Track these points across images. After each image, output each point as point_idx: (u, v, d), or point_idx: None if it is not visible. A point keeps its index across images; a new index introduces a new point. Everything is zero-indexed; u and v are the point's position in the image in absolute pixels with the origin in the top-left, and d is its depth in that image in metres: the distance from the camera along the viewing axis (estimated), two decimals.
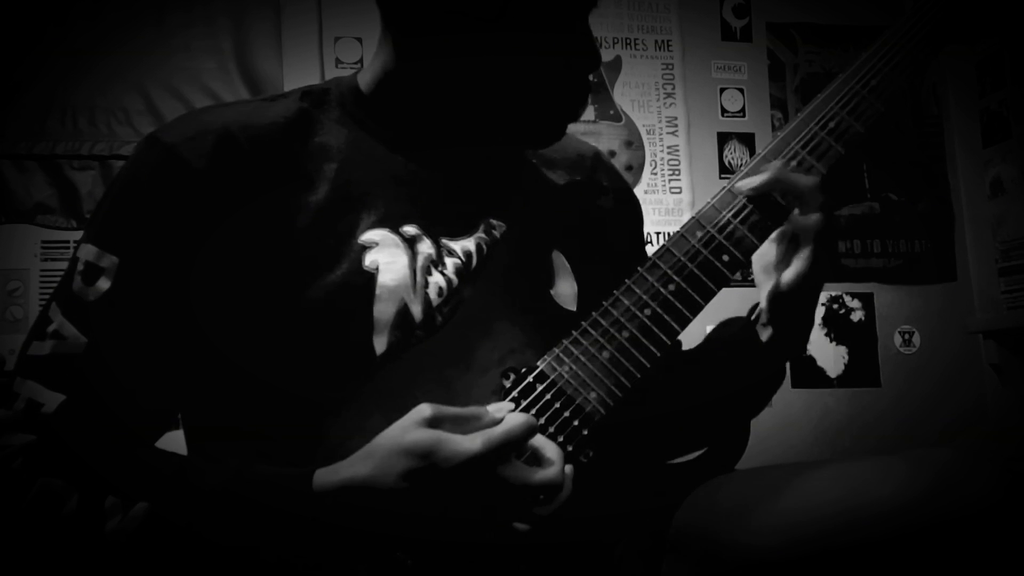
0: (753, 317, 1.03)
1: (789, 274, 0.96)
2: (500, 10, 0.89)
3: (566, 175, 1.09)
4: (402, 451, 0.76)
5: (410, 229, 0.93)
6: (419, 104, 0.97)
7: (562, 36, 0.92)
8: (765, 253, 0.99)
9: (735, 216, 0.94)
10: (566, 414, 0.87)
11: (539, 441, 0.81)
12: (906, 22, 1.00)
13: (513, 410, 0.84)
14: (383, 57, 0.97)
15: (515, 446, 0.78)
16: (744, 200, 0.95)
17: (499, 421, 0.79)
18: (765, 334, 1.01)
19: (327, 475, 0.78)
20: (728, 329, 1.05)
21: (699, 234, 0.94)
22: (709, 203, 0.96)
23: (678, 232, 0.94)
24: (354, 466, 0.78)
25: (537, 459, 0.80)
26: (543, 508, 0.78)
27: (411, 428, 0.77)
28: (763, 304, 1.00)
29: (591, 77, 0.99)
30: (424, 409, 0.78)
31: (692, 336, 1.01)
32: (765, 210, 0.95)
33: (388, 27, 0.96)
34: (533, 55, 0.91)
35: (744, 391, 1.03)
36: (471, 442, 0.76)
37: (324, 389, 0.86)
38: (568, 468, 0.81)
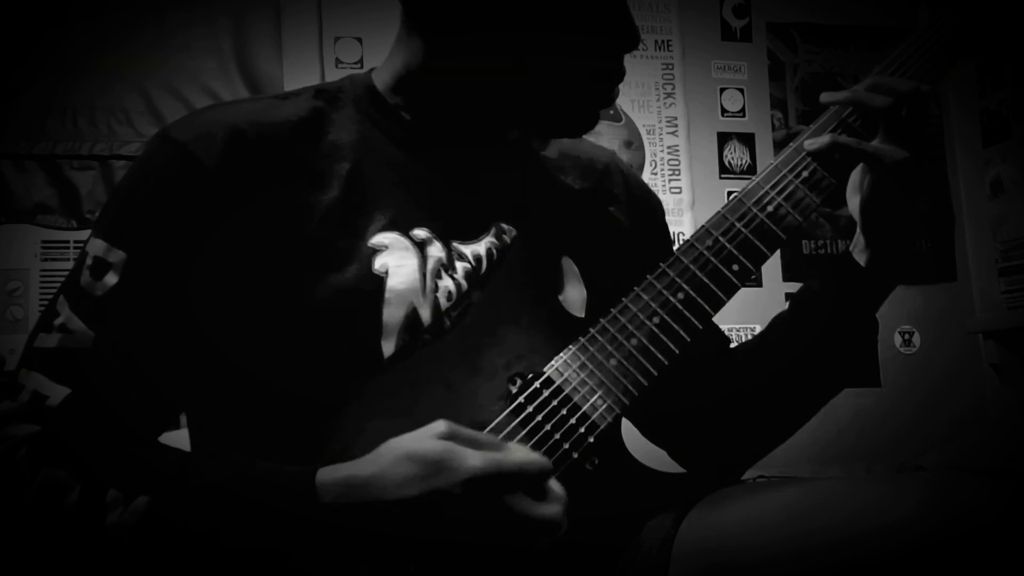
0: (851, 247, 1.02)
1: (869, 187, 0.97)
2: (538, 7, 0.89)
3: (578, 180, 1.08)
4: (409, 457, 0.76)
5: (420, 232, 0.93)
6: (445, 101, 0.96)
7: (600, 17, 0.92)
8: (854, 175, 1.00)
9: (746, 225, 0.94)
10: (572, 420, 0.87)
11: None
12: (921, 35, 1.00)
13: (526, 441, 0.84)
14: (406, 55, 0.96)
15: (525, 481, 0.77)
16: (755, 210, 0.95)
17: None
18: (864, 257, 1.00)
19: (331, 471, 0.78)
20: (815, 280, 1.05)
21: (709, 242, 0.93)
22: (720, 212, 0.95)
23: (688, 240, 0.94)
24: (359, 465, 0.77)
25: (541, 494, 0.78)
26: (538, 544, 0.77)
27: (423, 438, 0.77)
28: (859, 225, 1.00)
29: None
30: (440, 424, 0.77)
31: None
32: (778, 220, 0.94)
33: (414, 24, 0.95)
34: (569, 46, 0.91)
35: (843, 344, 1.03)
36: (477, 459, 0.75)
37: (330, 391, 0.85)
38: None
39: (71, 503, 0.79)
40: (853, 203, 1.01)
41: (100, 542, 0.78)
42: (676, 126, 2.79)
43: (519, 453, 0.78)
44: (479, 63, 0.92)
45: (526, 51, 0.91)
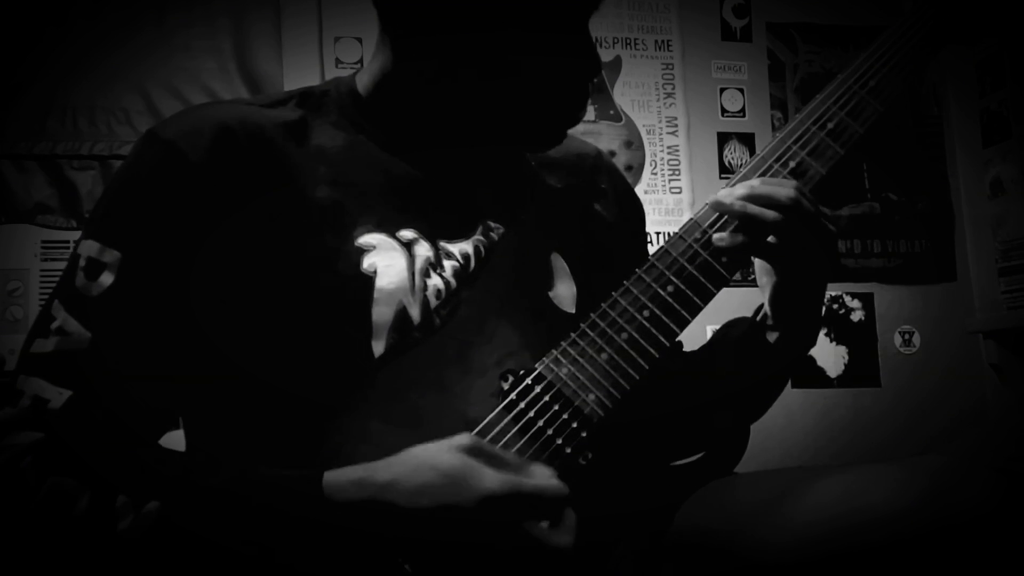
0: (759, 318, 1.02)
1: (784, 276, 0.96)
2: (500, 11, 0.89)
3: (565, 177, 1.09)
4: (429, 467, 0.76)
5: (407, 232, 0.93)
6: (417, 105, 0.96)
7: (562, 40, 0.92)
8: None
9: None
10: (564, 416, 0.87)
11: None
12: (905, 22, 1.00)
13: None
14: (381, 59, 0.97)
15: (541, 507, 0.77)
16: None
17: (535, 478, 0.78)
18: (772, 336, 1.00)
19: (342, 473, 0.78)
20: (734, 330, 1.05)
21: (697, 235, 0.94)
22: (707, 204, 0.95)
23: (676, 233, 0.94)
24: (373, 469, 0.78)
25: (555, 520, 0.78)
26: (545, 570, 0.77)
27: (445, 450, 0.77)
28: (767, 306, 1.00)
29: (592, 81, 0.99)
30: (464, 437, 0.78)
31: (693, 336, 1.01)
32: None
33: (386, 29, 0.96)
34: (533, 56, 0.91)
35: (747, 393, 1.02)
36: (496, 480, 0.75)
37: (323, 390, 0.86)
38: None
39: (80, 510, 0.79)
40: (762, 283, 1.00)
41: (110, 548, 0.78)
42: (676, 126, 2.78)
43: (539, 477, 0.78)
44: (444, 65, 0.93)
45: (492, 53, 0.91)
